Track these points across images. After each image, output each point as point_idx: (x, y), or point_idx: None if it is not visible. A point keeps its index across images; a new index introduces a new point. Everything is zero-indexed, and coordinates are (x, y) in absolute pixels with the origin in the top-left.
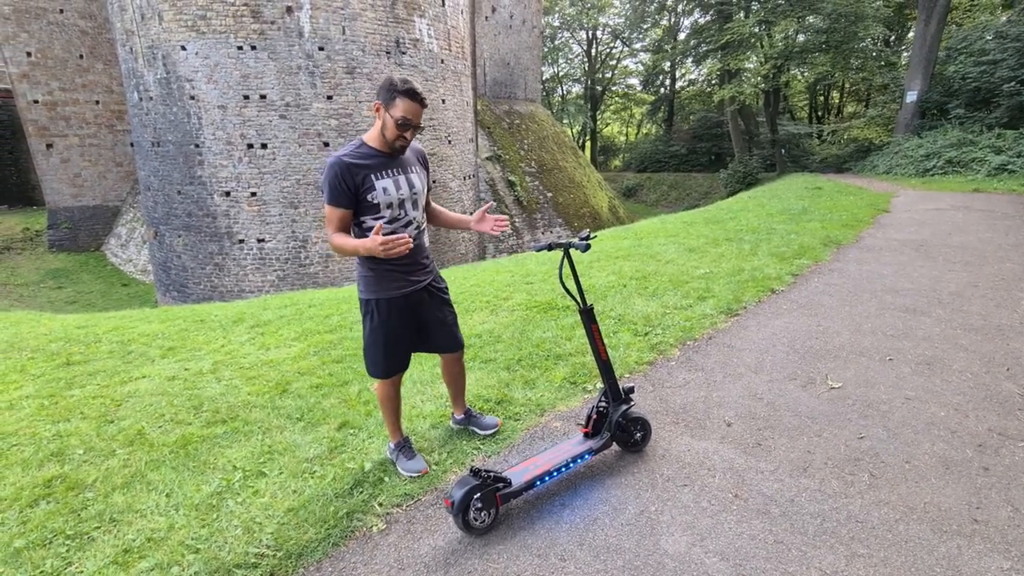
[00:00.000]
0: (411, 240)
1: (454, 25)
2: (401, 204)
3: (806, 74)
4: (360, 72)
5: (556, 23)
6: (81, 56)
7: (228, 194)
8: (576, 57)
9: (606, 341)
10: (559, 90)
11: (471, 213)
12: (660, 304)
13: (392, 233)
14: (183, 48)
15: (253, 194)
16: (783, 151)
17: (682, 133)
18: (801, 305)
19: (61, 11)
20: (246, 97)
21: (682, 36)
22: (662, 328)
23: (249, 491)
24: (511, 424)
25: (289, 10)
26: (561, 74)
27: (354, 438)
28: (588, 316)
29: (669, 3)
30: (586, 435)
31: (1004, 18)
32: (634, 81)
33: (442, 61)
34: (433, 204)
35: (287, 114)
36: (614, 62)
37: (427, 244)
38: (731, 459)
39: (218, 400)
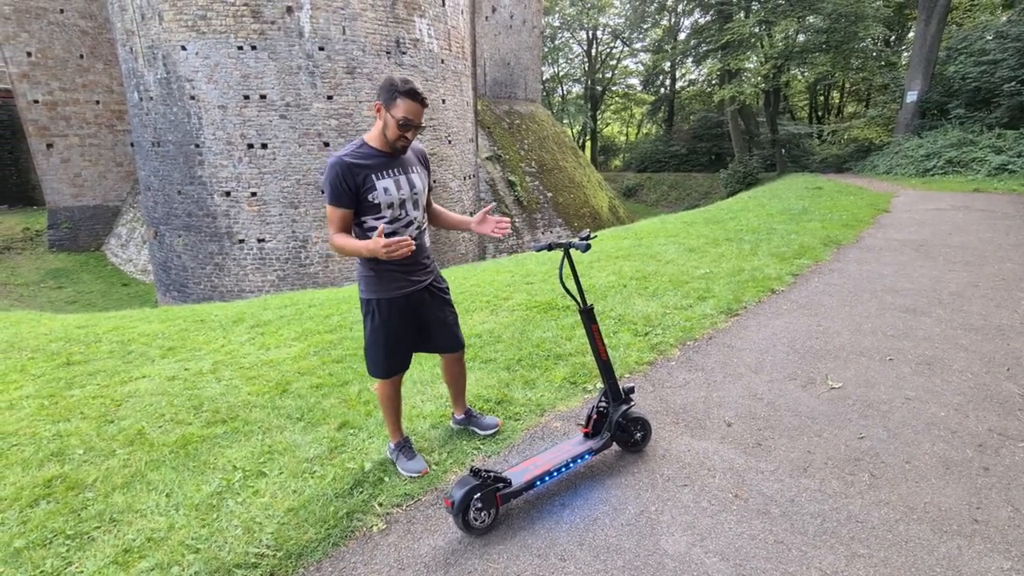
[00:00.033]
0: (413, 242)
1: (454, 25)
2: (402, 204)
3: (806, 74)
4: (360, 72)
5: (556, 23)
6: (81, 56)
7: (228, 194)
8: (576, 57)
9: (606, 341)
10: (559, 90)
11: (471, 213)
12: (660, 304)
13: (393, 234)
14: (183, 48)
15: (253, 194)
16: (783, 151)
17: (682, 133)
18: (801, 305)
19: (61, 11)
20: (246, 97)
21: (682, 36)
22: (662, 328)
23: (249, 491)
24: (511, 424)
25: (289, 10)
26: (561, 74)
27: (354, 438)
28: (588, 316)
29: (669, 3)
30: (586, 435)
31: (1004, 18)
32: (634, 81)
33: (442, 61)
34: (435, 205)
35: (287, 114)
36: (614, 62)
37: (428, 244)
38: (731, 459)
39: (218, 400)
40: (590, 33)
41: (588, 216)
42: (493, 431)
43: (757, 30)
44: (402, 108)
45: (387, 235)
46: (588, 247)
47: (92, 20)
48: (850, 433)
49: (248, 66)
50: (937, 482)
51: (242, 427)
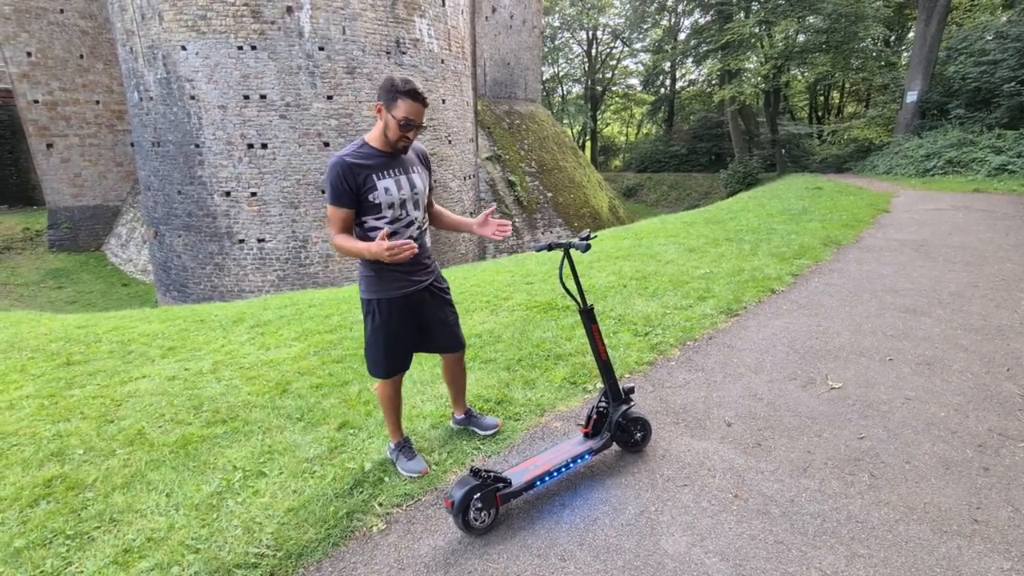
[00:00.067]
0: (416, 245)
1: (454, 25)
2: (403, 204)
3: (806, 74)
4: (360, 72)
5: (556, 23)
6: (81, 56)
7: (228, 194)
8: (576, 57)
9: (606, 341)
10: (559, 90)
11: (471, 214)
12: (660, 304)
13: (394, 234)
14: (183, 48)
15: (253, 194)
16: (783, 151)
17: (682, 133)
18: (801, 305)
19: (61, 11)
20: (246, 97)
21: (682, 36)
22: (662, 328)
23: (249, 491)
24: (511, 424)
25: (289, 10)
26: (561, 74)
27: (354, 438)
28: (588, 316)
29: (669, 3)
30: (586, 435)
31: (1004, 18)
32: (634, 81)
33: (442, 61)
34: (436, 206)
35: (287, 114)
36: (614, 62)
37: (429, 244)
38: (731, 459)
39: (218, 400)
40: (590, 33)
41: (588, 216)
42: (493, 431)
43: (757, 30)
44: (403, 108)
45: (388, 236)
46: (588, 247)
47: (92, 20)
48: (850, 433)
49: (248, 66)
50: (937, 482)
51: (242, 427)
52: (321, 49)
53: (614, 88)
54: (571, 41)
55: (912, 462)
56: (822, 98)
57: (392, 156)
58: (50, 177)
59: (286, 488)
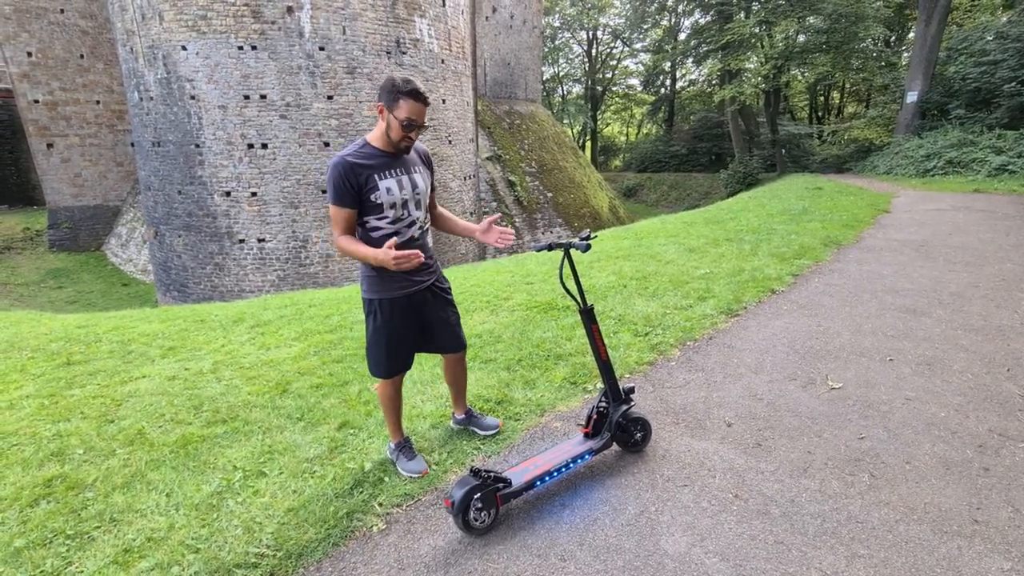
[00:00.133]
0: (422, 255)
1: (454, 25)
2: (404, 204)
3: (806, 74)
4: (360, 72)
5: (556, 23)
6: (82, 56)
7: (228, 194)
8: (576, 57)
9: (606, 341)
10: (559, 90)
11: (471, 214)
12: (660, 304)
13: (395, 234)
14: (183, 48)
15: (253, 194)
16: (783, 151)
17: (682, 133)
18: (801, 305)
19: (62, 11)
20: (246, 97)
21: (682, 36)
22: (662, 328)
23: (249, 491)
24: (511, 424)
25: (289, 10)
26: (561, 74)
27: (354, 438)
28: (588, 316)
29: (669, 3)
30: (586, 435)
31: (1004, 19)
32: (634, 81)
33: (442, 61)
34: (441, 208)
35: (287, 114)
36: (614, 62)
37: (431, 244)
38: (731, 459)
39: (218, 400)
40: (590, 33)
41: (588, 216)
42: (493, 432)
43: (757, 30)
44: (405, 109)
45: (389, 235)
46: (588, 247)
47: (92, 20)
48: (850, 433)
49: (248, 66)
50: (937, 483)
51: (242, 427)
52: (321, 49)
53: (614, 88)
54: (571, 41)
55: (912, 462)
56: (822, 98)
57: (394, 156)
58: (50, 177)
59: (286, 488)
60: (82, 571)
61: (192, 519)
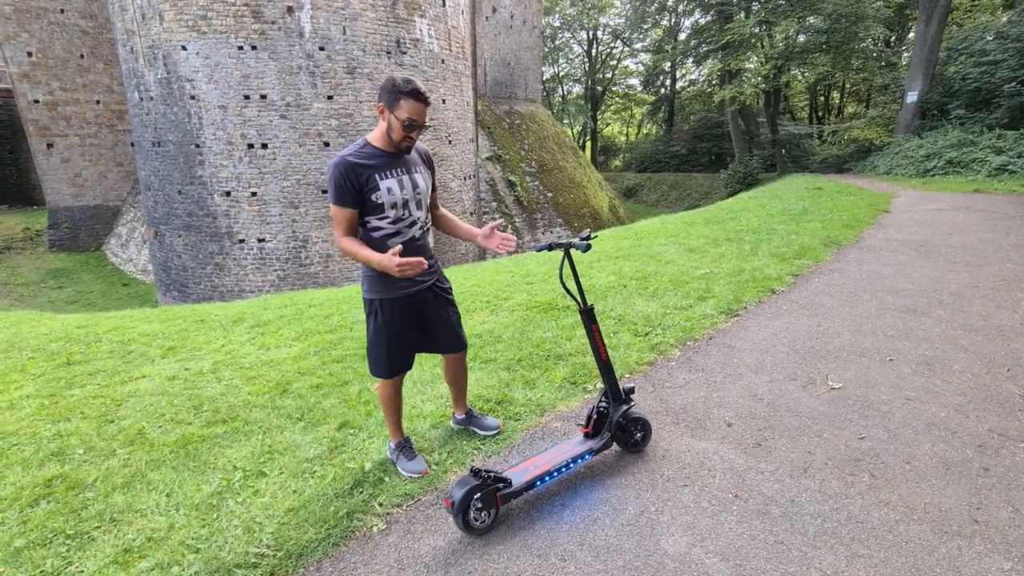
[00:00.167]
0: (425, 262)
1: (455, 25)
2: (405, 204)
3: (806, 74)
4: (361, 72)
5: (556, 23)
6: (82, 56)
7: (228, 194)
8: (576, 57)
9: (606, 341)
10: (559, 90)
11: (471, 214)
12: (660, 304)
13: (396, 234)
14: (184, 48)
15: (253, 194)
16: (783, 151)
17: (682, 133)
18: (801, 305)
19: (62, 11)
20: (246, 97)
21: (682, 36)
22: (662, 328)
23: (249, 491)
24: (511, 424)
25: (290, 10)
26: (561, 74)
27: (354, 438)
28: (588, 316)
29: (669, 3)
30: (586, 435)
31: (1004, 19)
32: (634, 81)
33: (443, 61)
34: (444, 210)
35: (287, 114)
36: (614, 62)
37: (432, 244)
38: (731, 459)
39: (218, 400)
40: (590, 33)
41: (588, 216)
42: (494, 433)
43: (757, 30)
44: (406, 109)
45: (390, 235)
46: (588, 247)
47: (92, 20)
48: (850, 433)
49: (248, 66)
50: (937, 483)
51: (242, 427)
52: (321, 49)
53: (614, 88)
54: (571, 41)
55: (912, 462)
56: (822, 98)
57: (395, 156)
58: (50, 177)
59: (286, 488)
60: (82, 571)
61: (192, 519)
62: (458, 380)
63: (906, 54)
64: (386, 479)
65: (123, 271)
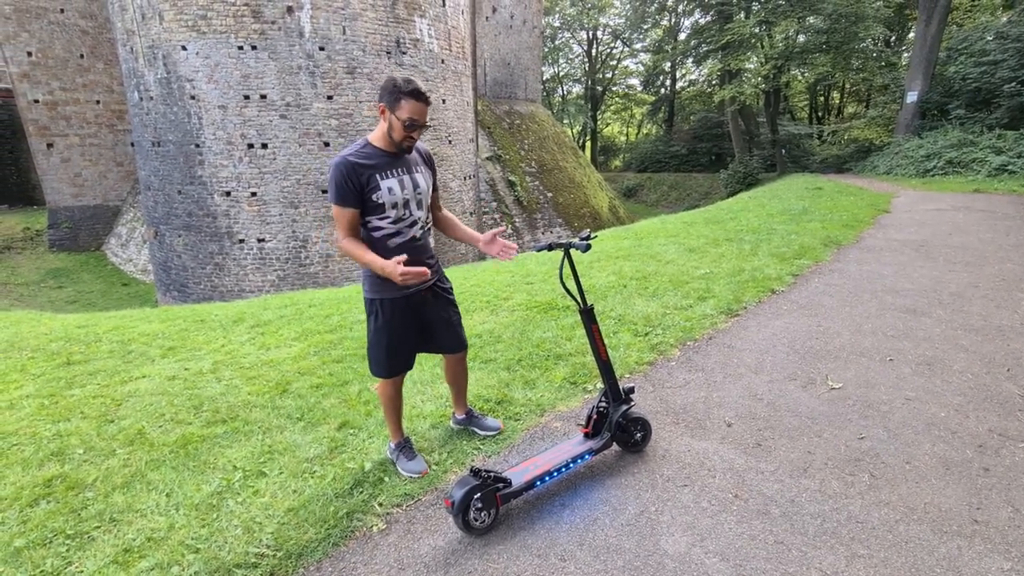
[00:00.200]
0: (428, 273)
1: (455, 25)
2: (406, 204)
3: (806, 74)
4: (361, 72)
5: (556, 23)
6: (82, 56)
7: (228, 194)
8: (576, 57)
9: (606, 341)
10: (559, 90)
11: (471, 214)
12: (660, 304)
13: (397, 234)
14: (183, 48)
15: (253, 194)
16: (783, 151)
17: (682, 133)
18: (801, 305)
19: (62, 11)
20: (246, 97)
21: (682, 36)
22: (662, 328)
23: (249, 491)
24: (511, 424)
25: (290, 10)
26: (561, 74)
27: (354, 438)
28: (588, 316)
29: (669, 3)
30: (586, 435)
31: (1005, 19)
32: (634, 81)
33: (443, 61)
34: (446, 212)
35: (287, 114)
36: (614, 62)
37: (432, 244)
38: (731, 459)
39: (218, 400)
40: (590, 33)
41: (588, 216)
42: (494, 433)
43: (757, 30)
44: (407, 109)
45: (391, 235)
46: (588, 247)
47: (92, 20)
48: (850, 433)
49: (248, 66)
50: (937, 483)
51: (242, 427)
52: (321, 49)
53: (614, 88)
54: (571, 41)
55: (912, 462)
56: (822, 98)
57: (395, 156)
58: (50, 177)
59: (286, 488)
60: (82, 571)
61: (192, 519)
62: (458, 380)
63: (906, 54)
64: (386, 479)
65: (123, 271)
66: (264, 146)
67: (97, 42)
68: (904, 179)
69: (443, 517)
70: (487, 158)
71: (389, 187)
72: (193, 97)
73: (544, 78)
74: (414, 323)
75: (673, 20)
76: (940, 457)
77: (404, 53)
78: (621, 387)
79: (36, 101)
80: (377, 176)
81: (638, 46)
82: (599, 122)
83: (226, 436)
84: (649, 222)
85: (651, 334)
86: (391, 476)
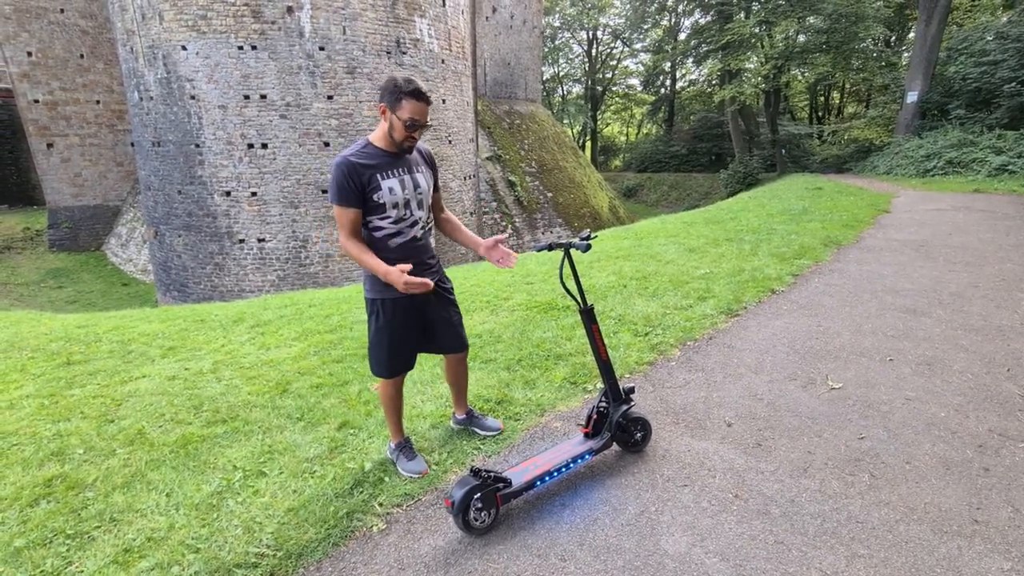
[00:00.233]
0: (432, 283)
1: (455, 25)
2: (407, 204)
3: (806, 74)
4: (361, 72)
5: (556, 23)
6: (82, 56)
7: (228, 194)
8: (576, 57)
9: (606, 341)
10: (559, 90)
11: (471, 214)
12: (660, 304)
13: (398, 234)
14: (183, 48)
15: (253, 194)
16: (783, 151)
17: (682, 133)
18: (801, 305)
19: (62, 11)
20: (246, 97)
21: (682, 36)
22: (662, 328)
23: (249, 491)
24: (511, 424)
25: (290, 10)
26: (561, 74)
27: (354, 438)
28: (588, 316)
29: (669, 3)
30: (586, 435)
31: (1005, 19)
32: (634, 81)
33: (443, 61)
34: (448, 214)
35: (287, 114)
36: (614, 62)
37: (433, 244)
38: (731, 459)
39: (218, 400)
40: (590, 33)
41: (588, 216)
42: (494, 433)
43: (757, 30)
44: (408, 109)
45: (392, 235)
46: (588, 247)
47: (92, 20)
48: (850, 433)
49: (248, 66)
50: (937, 483)
51: (242, 427)
52: (321, 49)
53: (614, 88)
54: (571, 41)
55: (912, 462)
56: (822, 98)
57: (396, 156)
58: (50, 177)
59: (286, 488)
60: (82, 571)
61: (192, 519)
62: (459, 380)
63: (906, 54)
64: (386, 479)
65: (123, 271)
66: (264, 146)
67: (97, 42)
68: (904, 179)
69: (443, 517)
70: (487, 158)
71: (390, 187)
72: (193, 97)
73: (544, 78)
74: (415, 323)
75: (673, 20)
76: (940, 457)
77: (404, 53)
78: (621, 387)
79: (36, 101)
80: (378, 176)
81: (638, 46)
82: (599, 122)
83: (226, 436)
84: (649, 222)
85: (651, 334)
86: (391, 476)
